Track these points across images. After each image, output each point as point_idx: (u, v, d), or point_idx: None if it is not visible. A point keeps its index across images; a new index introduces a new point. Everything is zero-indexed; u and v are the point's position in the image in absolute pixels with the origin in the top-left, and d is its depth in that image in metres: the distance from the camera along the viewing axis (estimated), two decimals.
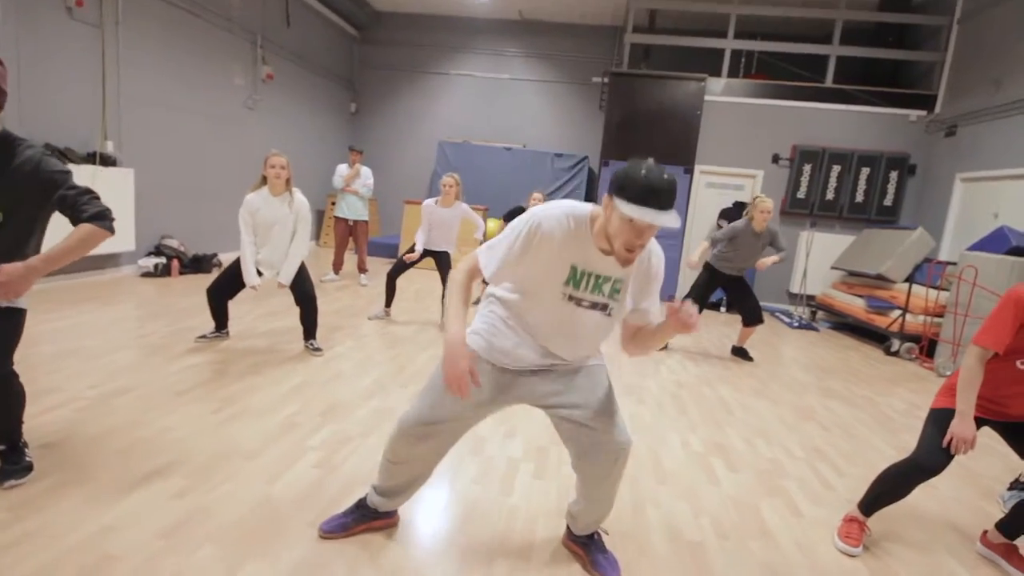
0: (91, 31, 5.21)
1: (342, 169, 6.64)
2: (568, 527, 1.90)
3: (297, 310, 3.87)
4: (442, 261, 4.98)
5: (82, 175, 5.06)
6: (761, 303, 5.01)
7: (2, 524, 1.75)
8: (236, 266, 3.71)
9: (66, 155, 4.96)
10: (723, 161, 7.89)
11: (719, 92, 7.74)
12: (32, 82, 4.71)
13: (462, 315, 1.58)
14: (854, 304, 6.52)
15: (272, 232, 3.66)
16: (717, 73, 7.74)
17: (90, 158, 5.25)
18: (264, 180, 3.63)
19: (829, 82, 7.60)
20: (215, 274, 4.05)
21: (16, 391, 1.94)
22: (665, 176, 1.37)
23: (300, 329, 3.95)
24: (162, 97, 6.11)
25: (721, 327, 6.24)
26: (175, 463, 2.23)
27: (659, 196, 1.35)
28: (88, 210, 1.84)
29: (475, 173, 9.25)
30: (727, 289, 4.86)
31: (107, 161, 5.43)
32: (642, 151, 7.33)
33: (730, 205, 7.71)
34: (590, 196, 9.42)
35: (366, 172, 6.67)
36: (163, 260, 6.04)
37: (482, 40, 10.01)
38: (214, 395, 2.95)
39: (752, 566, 1.93)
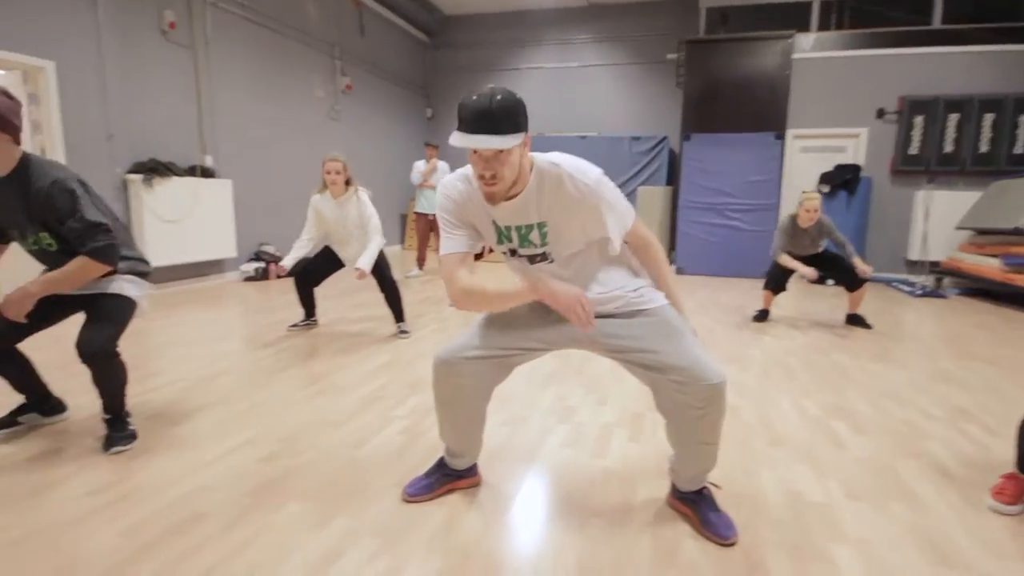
0: (184, 52, 5.59)
1: (419, 165, 6.73)
2: (672, 484, 1.71)
3: (383, 299, 3.89)
4: None
5: (186, 187, 5.44)
6: (874, 274, 4.52)
7: (106, 484, 1.81)
8: (319, 254, 3.81)
9: (170, 169, 5.33)
10: (819, 122, 7.27)
11: (809, 48, 7.15)
12: (135, 102, 5.11)
13: (514, 286, 1.50)
14: (987, 265, 5.74)
15: (345, 232, 3.70)
16: (805, 28, 7.15)
17: (191, 171, 5.62)
18: (325, 184, 3.66)
19: (937, 23, 6.81)
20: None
21: (118, 368, 2.03)
22: (497, 97, 1.29)
23: (386, 317, 3.97)
24: (252, 111, 6.47)
25: (830, 298, 5.70)
26: (265, 432, 2.25)
27: (482, 119, 1.27)
28: (88, 244, 1.90)
29: None
30: (814, 265, 4.44)
31: (207, 173, 5.80)
32: (726, 121, 6.92)
33: (831, 169, 7.07)
34: (672, 177, 9.02)
35: (443, 167, 6.72)
36: (261, 265, 6.37)
37: (550, 31, 9.88)
38: (304, 373, 3.00)
39: (895, 527, 1.65)
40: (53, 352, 3.17)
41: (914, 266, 7.12)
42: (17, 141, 1.87)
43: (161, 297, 5.16)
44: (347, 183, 3.65)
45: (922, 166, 6.98)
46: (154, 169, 5.17)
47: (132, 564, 1.43)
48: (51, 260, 2.00)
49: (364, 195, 3.69)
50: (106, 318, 1.99)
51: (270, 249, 6.63)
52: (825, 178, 6.97)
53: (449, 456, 1.79)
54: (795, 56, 7.07)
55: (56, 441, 2.13)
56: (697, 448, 1.55)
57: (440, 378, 1.61)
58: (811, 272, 4.18)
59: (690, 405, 1.46)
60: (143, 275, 2.19)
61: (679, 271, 7.47)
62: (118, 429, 2.07)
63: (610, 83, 9.79)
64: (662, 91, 9.46)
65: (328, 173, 3.57)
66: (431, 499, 1.76)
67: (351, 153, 8.25)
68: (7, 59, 4.13)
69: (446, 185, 1.51)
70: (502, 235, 1.52)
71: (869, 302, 5.54)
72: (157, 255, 5.20)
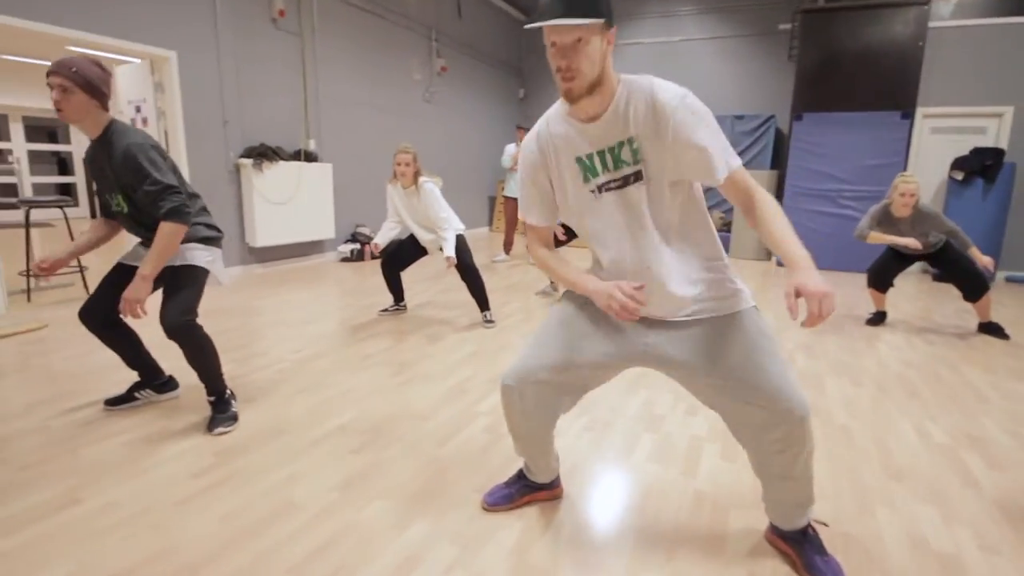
0: (293, 39, 5.82)
1: (510, 149, 6.67)
2: (771, 522, 1.57)
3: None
4: None
5: (291, 170, 5.71)
6: (1012, 272, 3.95)
7: (209, 467, 1.93)
8: (403, 240, 3.89)
9: (278, 153, 5.61)
10: (955, 100, 6.46)
11: (948, 15, 6.33)
12: (248, 89, 5.40)
13: (578, 270, 1.43)
14: None
15: (418, 220, 3.76)
16: None
17: (296, 155, 5.90)
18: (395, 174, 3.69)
19: None
20: None
21: (200, 340, 2.14)
22: None
23: (473, 304, 3.98)
24: (353, 96, 6.66)
25: (958, 299, 5.11)
26: (355, 420, 2.31)
27: (557, 1, 1.16)
28: (163, 206, 2.00)
29: None
30: (929, 263, 3.94)
31: (310, 157, 6.06)
32: (843, 99, 6.31)
33: (966, 153, 6.28)
34: (777, 160, 8.41)
35: None
36: (357, 246, 6.61)
37: (650, 4, 9.42)
38: (393, 360, 3.07)
39: None
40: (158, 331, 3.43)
41: None
42: (105, 108, 2.06)
43: (269, 275, 5.49)
44: (416, 174, 3.67)
45: None
46: (263, 154, 5.46)
47: (228, 551, 1.50)
48: (125, 221, 2.16)
49: (429, 186, 3.66)
50: (178, 292, 2.11)
51: (365, 231, 6.87)
52: (959, 163, 6.20)
53: (527, 470, 1.74)
54: (931, 25, 6.29)
55: (168, 418, 2.30)
56: (781, 483, 1.40)
57: (507, 403, 1.53)
58: (912, 242, 3.69)
59: (768, 437, 1.32)
60: (213, 241, 2.25)
61: (779, 263, 6.98)
62: (221, 410, 2.21)
63: (713, 58, 9.22)
64: (770, 66, 8.78)
65: (398, 164, 3.61)
66: (511, 509, 1.73)
67: (444, 135, 8.34)
68: (136, 49, 4.47)
69: (524, 147, 1.45)
70: (588, 170, 1.35)
71: (1009, 307, 4.91)
72: (265, 235, 5.53)
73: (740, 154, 8.75)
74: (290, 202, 5.76)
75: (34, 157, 10.33)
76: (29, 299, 4.13)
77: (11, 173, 9.72)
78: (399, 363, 3.03)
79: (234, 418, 2.21)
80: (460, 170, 9.03)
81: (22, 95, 9.66)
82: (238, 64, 5.27)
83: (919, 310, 4.68)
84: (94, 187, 2.15)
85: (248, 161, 5.34)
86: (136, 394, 2.38)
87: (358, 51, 6.68)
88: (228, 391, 2.27)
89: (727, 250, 8.01)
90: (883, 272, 4.04)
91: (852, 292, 5.41)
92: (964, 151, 6.34)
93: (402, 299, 4.10)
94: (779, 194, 7.38)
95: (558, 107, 1.38)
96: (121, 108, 5.18)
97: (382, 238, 3.81)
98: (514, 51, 10.23)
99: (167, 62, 4.69)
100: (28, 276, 4.24)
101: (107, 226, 2.26)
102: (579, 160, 1.35)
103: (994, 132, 6.40)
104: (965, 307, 4.82)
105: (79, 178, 11.00)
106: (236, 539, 1.55)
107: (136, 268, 2.21)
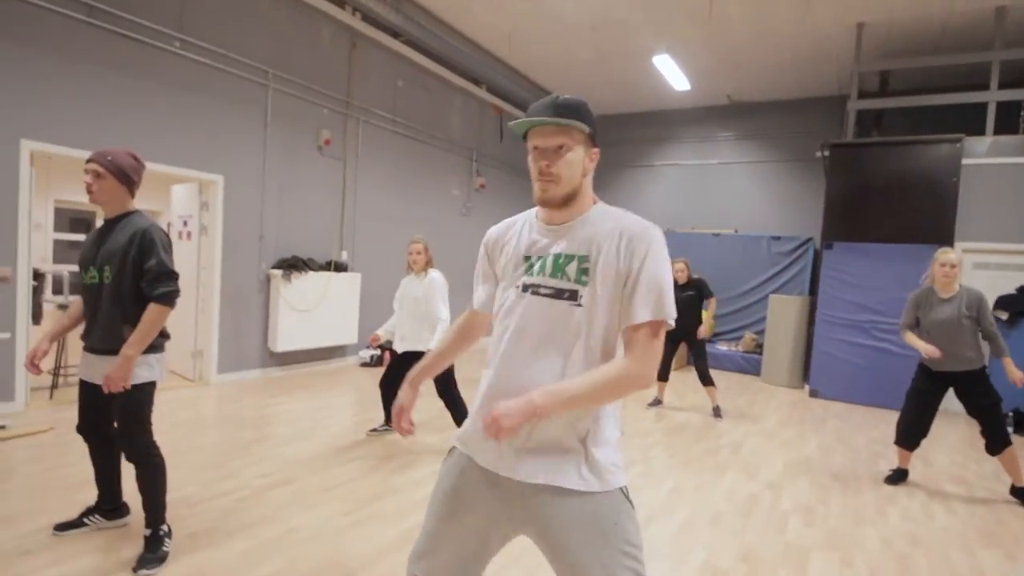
0: (335, 163, 6.36)
1: None
2: None
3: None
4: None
5: (319, 280, 6.04)
6: None
7: None
8: (399, 358, 3.94)
9: (308, 264, 5.97)
10: (996, 236, 6.18)
11: (983, 153, 6.22)
12: (287, 207, 5.86)
13: (432, 358, 1.55)
14: None
15: (405, 304, 3.93)
16: (975, 131, 6.26)
17: (327, 266, 6.26)
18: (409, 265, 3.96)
19: None
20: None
21: (156, 465, 2.22)
22: (564, 96, 1.25)
23: None
24: (388, 211, 7.11)
25: None
26: (282, 572, 2.27)
27: (544, 107, 1.23)
28: (160, 288, 2.17)
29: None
30: (956, 392, 3.60)
31: (340, 267, 6.42)
32: (875, 230, 6.19)
33: (1012, 292, 5.92)
34: (815, 282, 8.19)
35: None
36: (377, 352, 6.78)
37: (688, 129, 9.78)
38: (353, 494, 3.03)
39: None
40: None
41: None
42: (132, 194, 2.31)
43: (286, 379, 5.67)
44: (427, 263, 3.90)
45: None
46: (293, 265, 5.83)
47: None
48: (94, 292, 2.22)
49: (437, 275, 3.90)
50: (131, 416, 2.22)
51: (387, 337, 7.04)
52: (1003, 302, 5.83)
53: None
54: (965, 161, 6.19)
55: (103, 552, 2.33)
56: None
57: None
58: (932, 351, 3.40)
59: None
60: (160, 346, 2.31)
61: (812, 394, 6.60)
62: (151, 550, 2.22)
63: (750, 180, 9.35)
64: (808, 190, 8.80)
65: (410, 254, 3.90)
66: None
67: (477, 245, 8.64)
68: (187, 175, 5.00)
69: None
70: (530, 265, 1.29)
71: None
72: (287, 341, 5.78)
73: (777, 275, 8.61)
74: (315, 309, 6.04)
75: None
76: (51, 396, 4.42)
77: None
78: (358, 498, 3.00)
79: (162, 559, 2.22)
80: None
81: None
82: (280, 186, 5.77)
83: (952, 464, 4.26)
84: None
85: (278, 272, 5.70)
86: (86, 519, 2.45)
87: (398, 171, 7.19)
88: (165, 528, 2.30)
89: (758, 373, 7.68)
90: (914, 427, 3.67)
91: (881, 434, 5.01)
92: (1008, 288, 5.98)
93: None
94: (810, 321, 7.11)
95: (533, 210, 1.40)
96: (172, 220, 5.73)
97: (384, 331, 4.06)
98: None
99: (214, 184, 5.21)
100: (56, 374, 4.57)
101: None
102: (527, 258, 1.31)
103: None
104: None
105: None
106: None
107: (98, 386, 2.24)
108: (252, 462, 3.40)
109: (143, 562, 2.18)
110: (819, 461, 4.20)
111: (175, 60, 4.77)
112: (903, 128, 7.17)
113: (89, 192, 2.20)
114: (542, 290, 1.25)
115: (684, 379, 7.09)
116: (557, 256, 1.26)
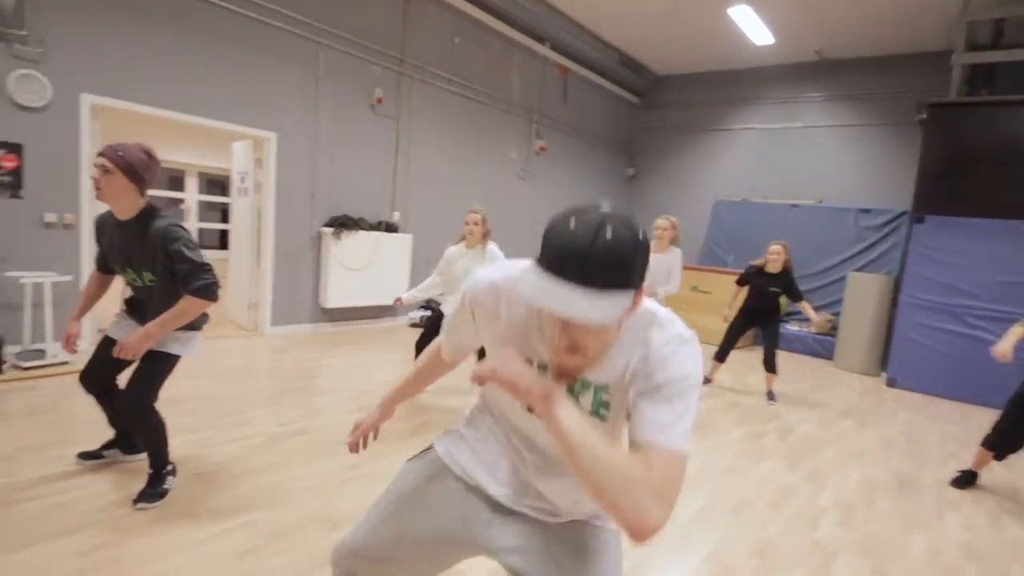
0: (389, 122, 6.34)
1: None
2: None
3: None
4: None
5: (369, 239, 6.10)
6: None
7: (103, 544, 2.01)
8: (436, 322, 3.91)
9: (358, 223, 6.05)
10: None
11: None
12: (339, 165, 5.93)
13: (402, 385, 1.47)
14: None
15: (455, 274, 3.78)
16: None
17: (378, 225, 6.31)
18: (463, 236, 3.80)
19: None
20: None
21: (154, 424, 2.27)
22: (607, 235, 0.82)
23: None
24: (442, 173, 7.05)
25: None
26: (265, 519, 2.29)
27: (573, 261, 0.81)
28: (193, 283, 2.10)
29: (754, 233, 8.20)
30: None
31: (391, 228, 6.46)
32: (976, 203, 5.50)
33: None
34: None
35: None
36: (428, 313, 6.83)
37: (771, 88, 9.01)
38: (360, 452, 3.04)
39: None
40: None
41: None
42: (142, 193, 2.18)
43: (336, 334, 5.84)
44: (485, 235, 3.76)
45: None
46: (344, 223, 5.91)
47: None
48: (144, 292, 2.28)
49: (493, 246, 3.78)
50: (146, 375, 2.25)
51: (438, 299, 7.07)
52: None
53: None
54: None
55: (109, 483, 2.45)
56: None
57: None
58: (1006, 351, 2.96)
59: None
60: (197, 325, 2.34)
61: (889, 383, 6.02)
62: (152, 486, 2.31)
63: (839, 146, 8.52)
64: (905, 157, 7.88)
65: (467, 224, 3.75)
66: None
67: (535, 211, 8.46)
68: (242, 131, 5.14)
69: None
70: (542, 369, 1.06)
71: None
72: (337, 297, 5.92)
73: (864, 251, 7.88)
74: (366, 268, 6.13)
75: (203, 207, 12.17)
76: None
77: (181, 218, 11.48)
78: (365, 455, 2.97)
79: (161, 495, 2.31)
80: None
81: (195, 154, 11.50)
82: (332, 144, 5.83)
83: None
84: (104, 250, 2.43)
85: (329, 230, 5.80)
86: (104, 452, 2.59)
87: (453, 132, 7.09)
88: (169, 467, 2.38)
89: (830, 357, 7.09)
90: (1012, 435, 3.19)
91: (963, 431, 4.48)
92: None
93: None
94: (893, 303, 6.45)
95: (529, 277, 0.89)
96: (232, 176, 5.95)
97: (410, 295, 3.99)
98: (623, 130, 10.24)
99: (267, 142, 5.32)
100: None
101: (101, 281, 2.46)
102: (529, 362, 1.04)
103: None
104: None
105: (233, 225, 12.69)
106: None
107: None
108: (275, 411, 3.50)
109: (143, 496, 2.27)
110: (876, 455, 3.81)
111: (229, 16, 4.85)
112: (1019, 87, 6.19)
113: (96, 188, 2.09)
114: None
115: (743, 359, 6.66)
116: (571, 386, 1.03)
